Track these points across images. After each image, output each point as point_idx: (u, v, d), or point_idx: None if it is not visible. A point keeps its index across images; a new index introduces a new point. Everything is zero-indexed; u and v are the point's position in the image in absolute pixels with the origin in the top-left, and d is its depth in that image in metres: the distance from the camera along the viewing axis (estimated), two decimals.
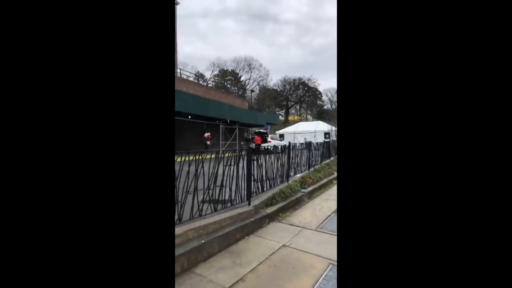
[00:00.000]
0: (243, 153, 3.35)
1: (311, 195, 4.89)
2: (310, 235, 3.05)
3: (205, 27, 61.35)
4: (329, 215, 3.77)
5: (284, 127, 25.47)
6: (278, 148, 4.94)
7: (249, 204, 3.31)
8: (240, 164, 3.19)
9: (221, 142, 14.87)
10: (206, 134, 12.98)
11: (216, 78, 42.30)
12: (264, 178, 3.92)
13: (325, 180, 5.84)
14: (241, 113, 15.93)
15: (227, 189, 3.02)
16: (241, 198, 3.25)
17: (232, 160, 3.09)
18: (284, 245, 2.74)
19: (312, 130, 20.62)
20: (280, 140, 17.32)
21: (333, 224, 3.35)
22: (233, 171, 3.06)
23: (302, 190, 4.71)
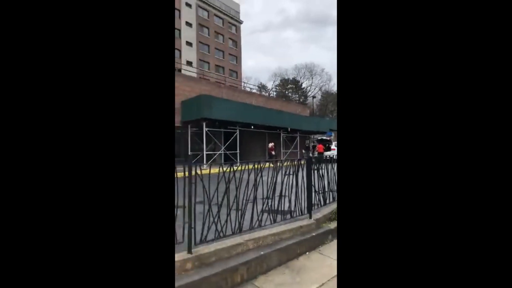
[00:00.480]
0: (302, 162, 3.21)
1: None
2: None
3: (266, 40, 64.05)
4: None
5: None
6: None
7: (310, 217, 3.12)
8: (300, 174, 3.07)
9: (282, 151, 14.89)
10: (270, 145, 13.24)
11: (277, 87, 43.18)
12: (326, 190, 3.65)
13: None
14: (302, 120, 15.61)
15: (286, 199, 2.93)
16: (301, 210, 3.10)
17: (291, 170, 3.00)
18: None
19: None
20: None
21: None
22: (292, 181, 2.96)
23: None
